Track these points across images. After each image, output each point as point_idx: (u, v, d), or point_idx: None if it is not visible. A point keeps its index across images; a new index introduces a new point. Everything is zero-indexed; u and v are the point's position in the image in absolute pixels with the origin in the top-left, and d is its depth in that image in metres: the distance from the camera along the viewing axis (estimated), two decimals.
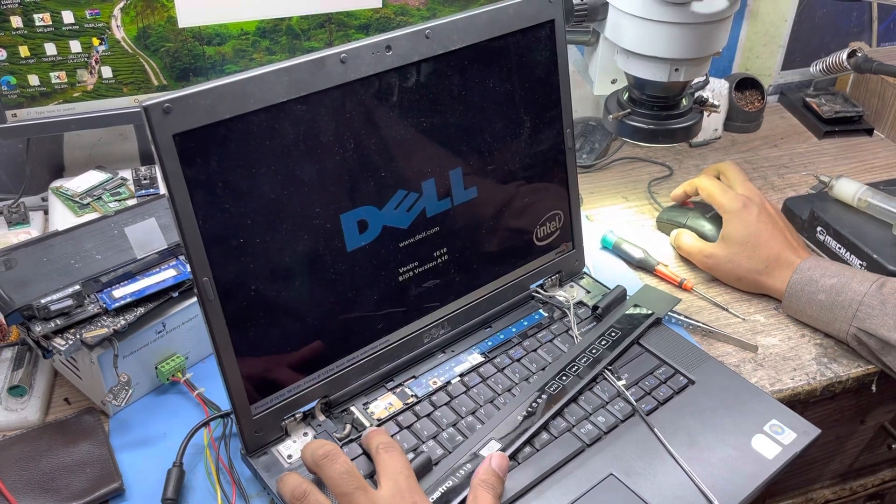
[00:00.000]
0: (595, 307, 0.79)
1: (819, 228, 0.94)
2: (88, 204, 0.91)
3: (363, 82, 0.64)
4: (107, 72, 0.87)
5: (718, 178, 0.91)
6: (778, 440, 0.67)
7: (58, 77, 0.85)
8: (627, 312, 0.79)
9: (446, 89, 0.69)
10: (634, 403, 0.70)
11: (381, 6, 0.92)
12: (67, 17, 0.82)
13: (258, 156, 0.60)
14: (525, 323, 0.79)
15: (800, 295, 0.81)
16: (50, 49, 0.83)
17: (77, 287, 0.67)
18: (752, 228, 0.84)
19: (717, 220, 0.89)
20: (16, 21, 0.81)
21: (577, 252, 0.84)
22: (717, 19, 0.76)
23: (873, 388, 0.81)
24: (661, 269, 0.90)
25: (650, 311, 0.79)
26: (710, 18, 0.75)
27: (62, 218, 0.90)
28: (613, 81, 0.94)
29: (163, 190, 0.93)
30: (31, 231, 0.92)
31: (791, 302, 0.83)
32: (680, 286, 0.88)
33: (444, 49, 0.68)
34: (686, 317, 0.83)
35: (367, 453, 0.64)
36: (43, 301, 0.65)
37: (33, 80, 0.85)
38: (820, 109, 1.21)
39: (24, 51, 0.83)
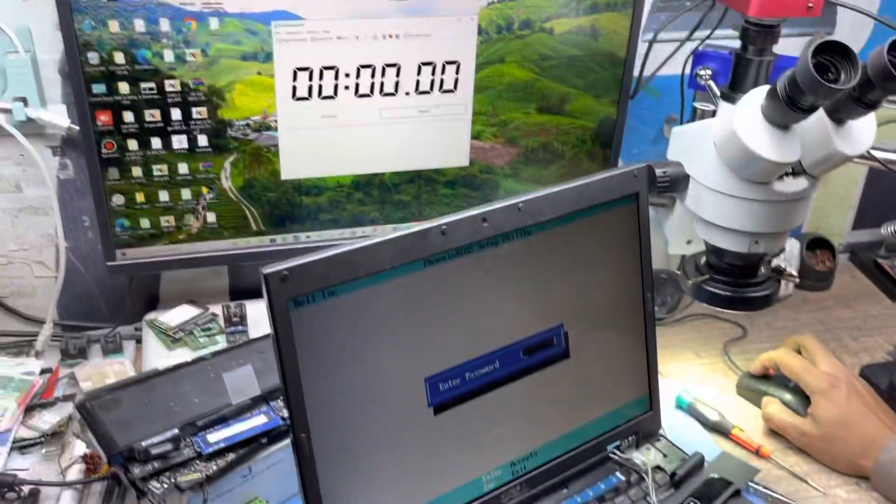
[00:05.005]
0: (673, 474, 0.79)
1: None
2: (181, 339, 0.96)
3: (460, 251, 0.68)
4: (211, 217, 0.93)
5: (799, 352, 0.92)
6: None
7: (167, 221, 0.92)
8: (706, 480, 0.78)
9: (537, 257, 0.72)
10: None
11: (467, 165, 0.98)
12: (182, 168, 0.89)
13: (364, 321, 0.63)
14: (602, 486, 0.78)
15: (887, 475, 0.80)
16: (163, 196, 0.90)
17: (176, 431, 0.70)
18: (844, 410, 0.84)
19: (800, 390, 0.89)
20: (136, 171, 0.88)
21: (654, 414, 0.84)
22: (797, 198, 0.78)
23: None
24: (736, 433, 0.89)
25: (730, 481, 0.78)
26: (791, 197, 0.78)
27: (155, 351, 0.95)
28: (689, 242, 0.97)
29: (252, 332, 0.97)
30: (125, 361, 0.96)
31: (880, 480, 0.81)
32: (757, 453, 0.87)
33: (534, 220, 0.71)
34: (765, 487, 0.82)
35: None
36: (144, 444, 0.68)
37: (145, 223, 0.91)
38: (892, 271, 1.22)
39: (140, 197, 0.89)
